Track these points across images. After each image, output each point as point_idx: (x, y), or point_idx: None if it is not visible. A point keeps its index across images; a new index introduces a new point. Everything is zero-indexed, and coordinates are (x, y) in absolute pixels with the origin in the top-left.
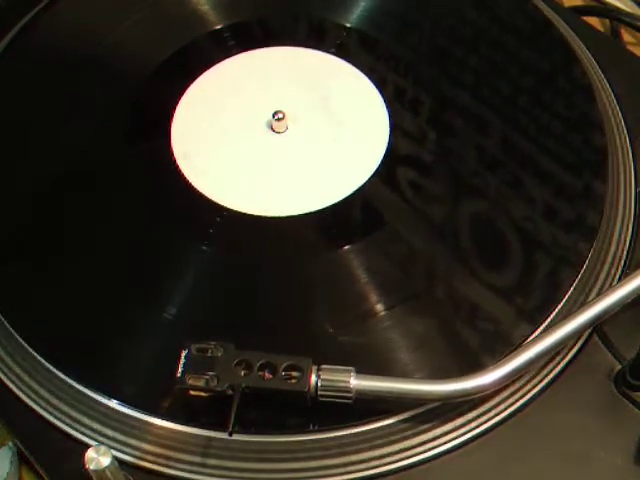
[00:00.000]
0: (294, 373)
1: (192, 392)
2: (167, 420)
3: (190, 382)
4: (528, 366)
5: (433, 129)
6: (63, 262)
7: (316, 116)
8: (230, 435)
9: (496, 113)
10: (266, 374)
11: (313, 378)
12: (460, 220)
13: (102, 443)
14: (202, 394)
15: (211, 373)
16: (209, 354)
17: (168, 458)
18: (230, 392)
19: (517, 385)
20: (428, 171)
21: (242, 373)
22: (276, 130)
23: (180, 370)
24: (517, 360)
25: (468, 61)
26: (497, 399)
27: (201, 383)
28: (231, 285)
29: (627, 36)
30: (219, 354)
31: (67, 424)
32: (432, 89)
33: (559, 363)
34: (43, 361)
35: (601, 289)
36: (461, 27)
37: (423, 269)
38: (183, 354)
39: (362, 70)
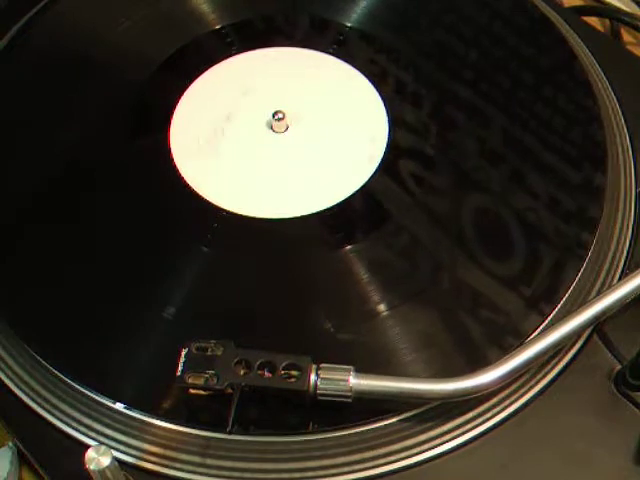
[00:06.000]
0: (294, 372)
1: (192, 391)
2: (167, 420)
3: (190, 380)
4: (528, 365)
5: (432, 127)
6: (63, 262)
7: (316, 116)
8: (229, 433)
9: (496, 115)
10: (265, 373)
11: (312, 377)
12: (460, 221)
13: (102, 443)
14: (202, 392)
15: (211, 372)
16: (209, 353)
17: (168, 458)
18: (230, 391)
19: (517, 385)
20: (428, 169)
21: (242, 372)
22: (276, 130)
23: (180, 368)
24: (516, 359)
25: (467, 62)
26: (497, 399)
27: (201, 381)
28: (231, 285)
29: (627, 36)
30: (219, 353)
31: (67, 424)
32: (431, 88)
33: (559, 363)
34: (43, 361)
35: (601, 288)
36: (461, 28)
37: (423, 269)
38: (183, 353)
39: (361, 70)
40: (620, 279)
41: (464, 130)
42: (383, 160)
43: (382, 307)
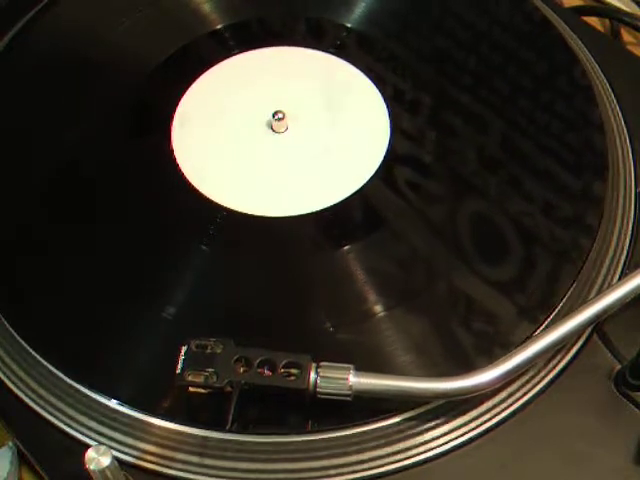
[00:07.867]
0: (293, 370)
1: (191, 389)
2: (167, 420)
3: (189, 378)
4: (527, 365)
5: (433, 129)
6: (63, 261)
7: (316, 116)
8: (229, 432)
9: (496, 113)
10: (265, 371)
11: (312, 375)
12: (459, 221)
13: (102, 443)
14: (201, 391)
15: (210, 370)
16: (208, 350)
17: (168, 458)
18: (229, 389)
19: (517, 385)
20: (429, 171)
21: (241, 370)
22: (276, 130)
23: (179, 366)
24: (516, 359)
25: (468, 61)
26: (497, 399)
27: (200, 379)
28: (231, 284)
29: (627, 36)
30: (219, 351)
31: (67, 424)
32: (432, 89)
33: (559, 363)
34: (43, 361)
35: (601, 288)
36: (461, 27)
37: (422, 269)
38: (183, 350)
39: (362, 70)
40: (620, 279)
41: (465, 135)
42: (383, 161)
43: (381, 307)
